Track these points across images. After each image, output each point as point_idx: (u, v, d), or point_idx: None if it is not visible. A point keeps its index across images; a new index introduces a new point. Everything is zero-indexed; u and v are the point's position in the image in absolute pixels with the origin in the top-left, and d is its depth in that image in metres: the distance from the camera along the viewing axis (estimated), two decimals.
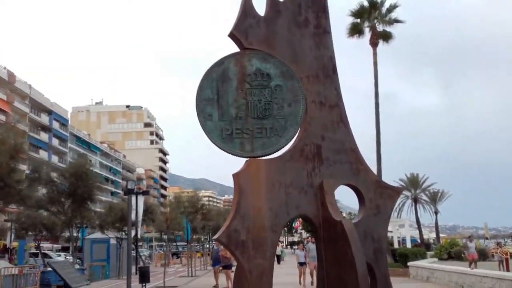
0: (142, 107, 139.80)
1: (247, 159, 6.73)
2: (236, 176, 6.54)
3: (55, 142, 74.05)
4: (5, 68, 60.52)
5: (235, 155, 6.74)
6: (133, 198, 21.63)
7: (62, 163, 67.11)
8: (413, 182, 60.14)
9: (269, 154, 6.85)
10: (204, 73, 6.89)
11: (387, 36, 29.06)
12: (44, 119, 71.21)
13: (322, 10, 7.69)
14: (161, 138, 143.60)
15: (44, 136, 69.99)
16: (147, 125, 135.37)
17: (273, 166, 6.75)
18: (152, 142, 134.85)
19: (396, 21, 29.15)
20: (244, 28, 7.10)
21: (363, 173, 7.33)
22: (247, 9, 7.18)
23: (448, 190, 65.82)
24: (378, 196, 7.31)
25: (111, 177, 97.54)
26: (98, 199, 33.63)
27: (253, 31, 7.14)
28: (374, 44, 28.32)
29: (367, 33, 28.99)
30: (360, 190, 7.28)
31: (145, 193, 24.10)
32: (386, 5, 29.20)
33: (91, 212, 32.96)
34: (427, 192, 61.70)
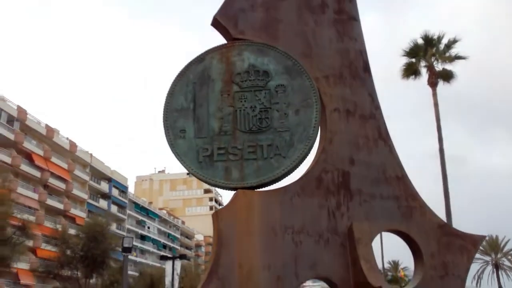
0: None
1: (234, 191, 4.54)
2: (215, 216, 4.35)
3: (114, 209, 74.79)
4: (67, 138, 62.95)
5: (216, 185, 4.59)
6: (169, 263, 19.59)
7: (120, 229, 67.35)
8: (493, 246, 53.80)
9: (268, 184, 4.62)
10: (177, 74, 4.96)
11: (447, 75, 26.38)
12: (104, 186, 72.74)
13: None
14: (220, 204, 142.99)
15: (103, 203, 70.97)
16: (207, 191, 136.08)
17: (273, 201, 4.49)
18: (211, 208, 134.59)
19: (458, 57, 26.41)
20: (233, 12, 5.18)
21: (417, 214, 4.87)
22: None
23: None
24: (444, 248, 4.78)
25: (168, 243, 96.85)
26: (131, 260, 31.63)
27: (246, 17, 5.20)
28: (432, 84, 25.71)
29: (424, 74, 26.62)
30: (414, 240, 4.80)
31: (182, 257, 22.06)
32: (444, 41, 26.72)
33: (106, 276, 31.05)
34: (509, 257, 54.78)
